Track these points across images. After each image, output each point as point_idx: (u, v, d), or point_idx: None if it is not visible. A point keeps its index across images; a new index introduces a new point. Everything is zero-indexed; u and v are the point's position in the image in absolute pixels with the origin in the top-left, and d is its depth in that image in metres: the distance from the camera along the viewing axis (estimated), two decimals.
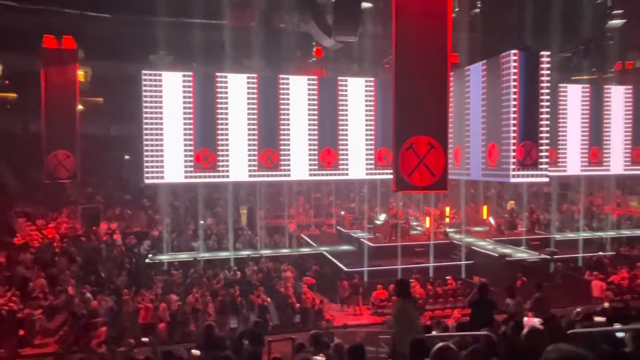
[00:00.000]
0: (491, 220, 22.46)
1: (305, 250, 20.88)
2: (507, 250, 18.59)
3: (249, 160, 18.78)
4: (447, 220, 23.02)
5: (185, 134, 18.24)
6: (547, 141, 17.03)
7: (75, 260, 18.55)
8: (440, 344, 3.26)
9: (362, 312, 16.43)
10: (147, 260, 19.08)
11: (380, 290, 16.53)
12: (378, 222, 21.18)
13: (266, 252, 20.22)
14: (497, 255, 18.09)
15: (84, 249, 19.97)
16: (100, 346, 12.56)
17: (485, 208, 23.80)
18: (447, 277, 17.33)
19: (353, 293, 16.75)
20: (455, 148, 19.69)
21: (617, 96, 21.64)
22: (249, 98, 18.78)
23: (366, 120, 20.04)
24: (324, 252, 20.08)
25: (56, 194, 24.57)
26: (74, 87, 17.94)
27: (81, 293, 15.05)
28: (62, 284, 16.28)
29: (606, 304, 12.05)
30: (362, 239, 20.18)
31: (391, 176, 13.81)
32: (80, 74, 21.41)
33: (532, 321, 6.05)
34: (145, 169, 18.05)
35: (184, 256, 19.54)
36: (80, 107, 19.59)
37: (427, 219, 21.75)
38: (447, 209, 23.50)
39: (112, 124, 29.17)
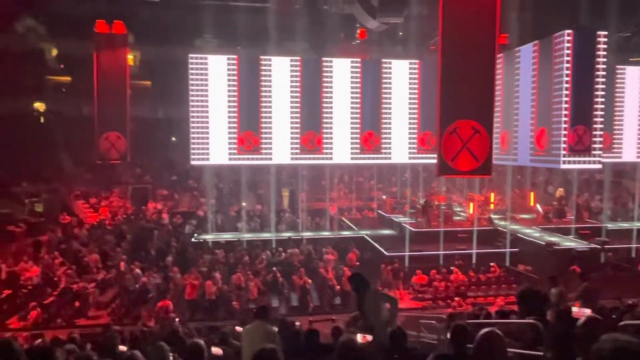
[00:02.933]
0: (538, 207, 21.77)
1: (346, 233, 20.96)
2: (554, 239, 18.00)
3: (292, 143, 18.91)
4: (492, 206, 22.50)
5: (229, 117, 18.54)
6: (602, 126, 16.25)
7: (125, 238, 19.40)
8: (485, 330, 3.23)
9: (402, 296, 16.40)
10: (192, 240, 19.68)
11: (420, 275, 16.45)
12: (420, 207, 20.96)
13: (307, 234, 20.43)
14: (543, 243, 17.56)
15: (133, 227, 20.83)
16: (149, 319, 13.15)
17: (532, 195, 23.07)
18: (491, 264, 17.02)
19: (394, 277, 16.73)
20: (502, 132, 19.12)
21: None
22: (292, 81, 18.83)
23: (409, 103, 19.72)
24: (365, 236, 20.10)
25: (108, 174, 25.67)
26: (125, 71, 18.52)
27: (131, 269, 15.74)
28: (114, 260, 17.09)
29: None
30: (403, 224, 20.05)
31: (434, 160, 13.63)
32: (130, 57, 22.04)
33: (583, 311, 5.85)
34: (192, 151, 18.52)
35: (227, 236, 20.03)
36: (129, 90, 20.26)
37: (471, 204, 21.34)
38: (492, 195, 22.94)
39: (160, 106, 29.96)
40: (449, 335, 3.91)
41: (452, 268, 16.73)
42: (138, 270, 15.60)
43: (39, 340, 8.49)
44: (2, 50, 23.61)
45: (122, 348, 5.68)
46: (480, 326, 3.89)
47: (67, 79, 28.96)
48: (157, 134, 29.45)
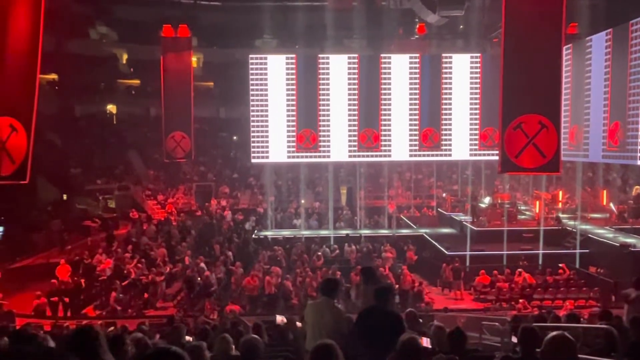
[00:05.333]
0: (612, 206, 20.44)
1: (404, 231, 20.71)
2: (630, 240, 16.85)
3: (349, 141, 18.92)
4: (560, 205, 21.40)
5: (288, 115, 18.83)
6: None
7: (190, 233, 20.22)
8: (555, 333, 3.10)
9: (463, 297, 16.00)
10: (252, 236, 20.18)
11: (483, 276, 15.93)
12: (482, 205, 20.32)
13: (365, 232, 20.37)
14: (618, 244, 16.48)
15: (197, 223, 21.66)
16: (212, 312, 13.63)
17: (604, 193, 21.71)
18: (560, 265, 16.20)
19: (454, 277, 16.34)
20: (572, 127, 18.13)
21: None
22: (349, 78, 18.83)
23: (471, 98, 19.15)
24: (424, 234, 19.76)
25: (173, 172, 26.84)
26: (189, 73, 19.23)
27: (196, 263, 16.38)
28: (179, 254, 17.85)
29: None
30: (464, 222, 19.51)
31: (497, 157, 13.14)
32: (193, 60, 22.91)
33: None
34: (252, 149, 18.99)
35: (286, 233, 20.37)
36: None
37: (537, 203, 20.40)
38: (560, 193, 21.81)
39: (222, 106, 30.94)
40: (514, 338, 3.78)
41: (519, 270, 16.06)
42: (202, 265, 16.20)
43: (112, 328, 9.04)
44: (78, 56, 25.25)
45: (188, 338, 5.94)
46: (548, 330, 3.73)
47: (137, 82, 30.49)
48: (219, 133, 30.43)
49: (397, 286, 15.51)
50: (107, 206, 24.69)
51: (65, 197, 23.35)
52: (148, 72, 25.24)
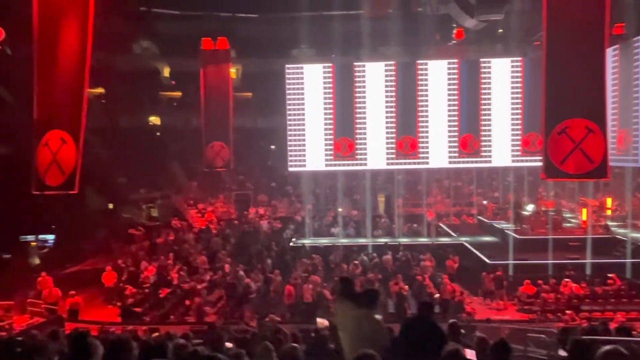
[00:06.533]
0: None
1: (444, 239, 20.34)
2: None
3: (387, 148, 18.80)
4: (609, 212, 20.51)
5: (325, 124, 18.92)
6: None
7: (229, 241, 20.53)
8: (609, 347, 2.97)
9: (507, 307, 15.53)
10: (290, 244, 20.28)
11: (527, 286, 15.44)
12: (525, 213, 19.73)
13: (404, 240, 20.13)
14: None
15: (237, 231, 21.97)
16: (252, 320, 13.75)
17: None
18: (609, 275, 15.49)
19: (497, 287, 15.90)
20: (620, 131, 17.38)
21: None
22: (386, 86, 18.76)
23: (512, 103, 18.70)
24: (464, 243, 19.35)
25: (213, 182, 27.37)
26: (228, 84, 19.65)
27: (235, 271, 16.60)
28: (219, 261, 18.14)
29: None
30: (506, 230, 19.00)
31: (540, 163, 12.76)
32: (232, 71, 23.38)
33: None
34: (289, 158, 19.15)
35: (324, 241, 20.37)
36: None
37: (584, 210, 19.64)
38: (609, 200, 20.92)
39: (260, 116, 31.34)
40: (562, 351, 3.64)
41: (566, 280, 15.46)
42: (242, 272, 16.40)
43: (156, 334, 9.26)
44: (123, 71, 26.20)
45: (229, 345, 6.02)
46: (599, 343, 3.57)
47: (178, 94, 31.36)
48: (257, 142, 30.84)
49: (437, 296, 15.25)
50: (150, 215, 25.40)
51: (111, 206, 24.18)
52: (189, 84, 25.92)
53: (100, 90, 27.83)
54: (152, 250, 19.71)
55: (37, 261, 19.04)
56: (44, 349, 4.32)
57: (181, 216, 24.21)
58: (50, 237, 19.91)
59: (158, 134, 31.11)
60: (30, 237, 19.54)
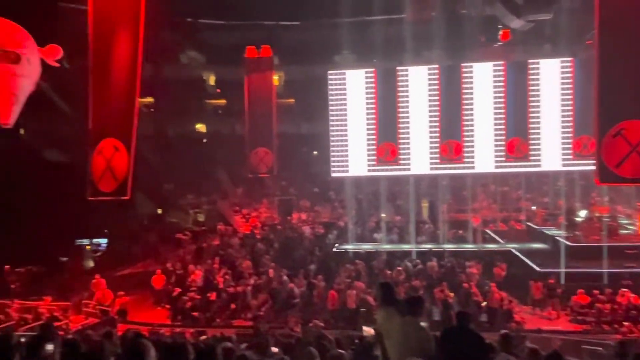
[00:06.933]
0: None
1: (490, 246, 19.78)
2: None
3: (431, 153, 18.52)
4: None
5: (368, 129, 18.84)
6: None
7: (273, 246, 20.76)
8: None
9: (558, 317, 14.94)
10: (333, 249, 20.28)
11: (581, 295, 14.80)
12: (578, 219, 18.92)
13: (449, 246, 19.73)
14: None
15: (280, 236, 22.20)
16: (296, 325, 13.83)
17: None
18: None
19: (548, 296, 15.32)
20: None
21: None
22: (430, 90, 18.50)
23: (562, 105, 18.01)
24: (512, 250, 18.75)
25: (257, 187, 27.80)
26: (271, 91, 19.98)
27: (279, 276, 16.76)
28: (263, 266, 18.37)
29: None
30: (557, 237, 18.28)
31: (593, 167, 12.23)
32: (275, 78, 23.74)
33: None
34: (332, 163, 19.20)
35: (367, 247, 20.24)
36: None
37: None
38: None
39: (302, 122, 31.59)
40: None
41: (623, 290, 14.71)
42: (285, 277, 16.54)
43: (204, 337, 9.48)
44: (171, 80, 27.10)
45: (274, 349, 6.08)
46: None
47: (223, 101, 32.12)
48: (300, 148, 31.08)
49: (484, 304, 14.86)
50: (196, 220, 26.07)
51: (160, 211, 25.00)
52: (233, 92, 26.44)
53: (150, 99, 28.87)
54: (198, 254, 20.20)
55: (91, 264, 19.95)
56: (102, 349, 4.53)
57: (226, 221, 24.71)
58: (104, 241, 20.80)
59: (204, 141, 31.93)
60: (85, 241, 20.48)
